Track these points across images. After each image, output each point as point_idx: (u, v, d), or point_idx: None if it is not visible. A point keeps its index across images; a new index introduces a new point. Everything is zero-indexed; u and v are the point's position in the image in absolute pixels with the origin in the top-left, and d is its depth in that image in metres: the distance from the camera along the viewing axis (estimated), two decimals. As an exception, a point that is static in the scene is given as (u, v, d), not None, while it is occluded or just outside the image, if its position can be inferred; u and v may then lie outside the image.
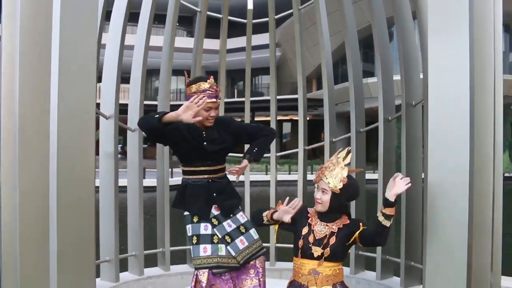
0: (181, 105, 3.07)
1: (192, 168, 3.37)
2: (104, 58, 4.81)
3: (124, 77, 4.90)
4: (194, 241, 3.29)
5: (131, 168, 5.07)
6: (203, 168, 3.35)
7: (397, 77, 4.74)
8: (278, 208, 2.85)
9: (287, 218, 2.76)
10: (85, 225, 2.62)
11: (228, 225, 3.34)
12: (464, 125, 2.63)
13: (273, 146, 5.91)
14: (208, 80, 3.22)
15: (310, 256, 2.66)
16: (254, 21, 6.09)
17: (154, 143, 3.66)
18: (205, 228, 3.30)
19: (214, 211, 3.35)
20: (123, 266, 4.94)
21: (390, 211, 2.59)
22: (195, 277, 3.26)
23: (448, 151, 2.70)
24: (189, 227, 3.35)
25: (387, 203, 2.59)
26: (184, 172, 3.43)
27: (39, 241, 2.47)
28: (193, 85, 3.22)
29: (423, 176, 3.88)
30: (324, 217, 2.73)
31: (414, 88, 4.67)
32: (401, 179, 2.60)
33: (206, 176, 3.36)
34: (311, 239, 2.67)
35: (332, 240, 2.66)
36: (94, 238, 2.77)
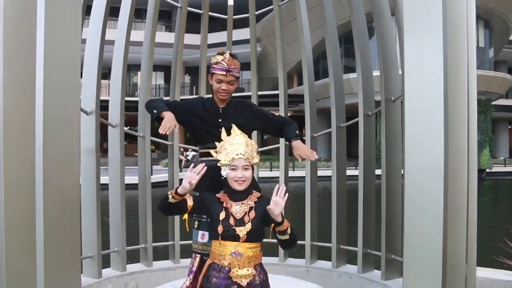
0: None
1: (205, 150, 3.43)
2: (84, 53, 4.77)
3: (103, 73, 4.92)
4: (195, 226, 3.35)
5: (112, 164, 5.10)
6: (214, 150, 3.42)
7: (377, 73, 4.85)
8: (186, 197, 2.79)
9: (187, 184, 2.66)
10: (71, 221, 2.68)
11: None
12: (438, 120, 2.73)
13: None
14: (224, 54, 3.35)
15: (234, 238, 2.67)
16: (234, 17, 6.15)
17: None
18: None
19: None
20: (105, 262, 4.95)
21: (282, 228, 2.64)
22: (192, 259, 3.36)
23: (423, 146, 2.80)
24: None
25: (276, 224, 2.64)
26: (200, 155, 3.51)
27: (25, 237, 2.50)
28: (212, 58, 3.38)
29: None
30: (237, 196, 2.76)
31: (393, 83, 4.78)
32: (276, 194, 2.61)
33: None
34: (232, 221, 2.68)
35: (252, 214, 2.70)
36: (80, 234, 2.84)
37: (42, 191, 2.52)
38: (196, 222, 3.38)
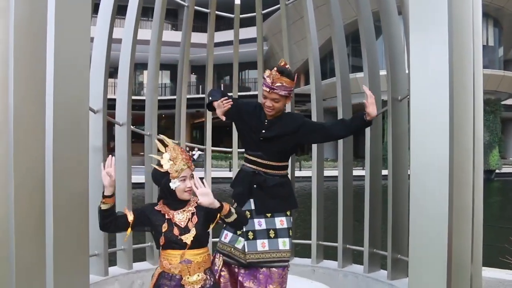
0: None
1: (246, 156, 3.51)
2: (92, 51, 4.83)
3: (110, 71, 4.96)
4: (224, 225, 3.37)
5: (119, 163, 5.10)
6: (253, 158, 3.44)
7: (384, 73, 4.87)
8: (125, 211, 2.81)
9: (105, 181, 2.65)
10: (80, 219, 2.73)
11: (259, 224, 3.39)
12: (443, 119, 2.74)
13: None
14: (271, 70, 3.30)
15: (181, 246, 2.68)
16: (241, 15, 6.19)
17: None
18: None
19: (252, 205, 3.42)
20: (112, 260, 5.00)
21: (224, 212, 2.72)
22: (215, 256, 3.43)
23: (429, 145, 2.81)
24: None
25: (218, 211, 2.72)
26: (244, 158, 3.56)
27: (34, 235, 2.53)
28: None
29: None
30: (177, 204, 2.77)
31: (400, 83, 4.80)
32: (197, 188, 2.67)
33: (254, 166, 3.44)
34: (176, 231, 2.69)
35: (194, 219, 2.72)
36: (88, 232, 2.89)
37: (52, 189, 2.56)
38: None
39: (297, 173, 6.86)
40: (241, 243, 3.37)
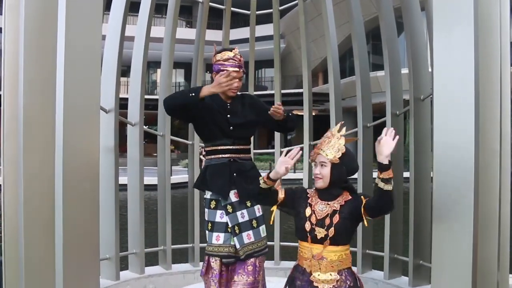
0: None
1: (214, 148, 3.50)
2: (103, 50, 4.80)
3: (122, 70, 4.97)
4: (209, 228, 3.43)
5: (131, 164, 5.15)
6: (224, 147, 3.46)
7: (405, 71, 4.82)
8: (278, 188, 2.76)
9: (282, 169, 2.62)
10: (90, 221, 2.74)
11: (241, 216, 3.43)
12: (469, 119, 2.71)
13: (277, 142, 6.04)
14: (233, 50, 3.45)
15: (314, 239, 2.60)
16: (257, 12, 6.17)
17: (176, 119, 3.71)
18: (220, 216, 3.43)
19: (233, 197, 3.44)
20: (123, 264, 5.01)
21: (387, 174, 2.54)
22: (206, 262, 3.41)
23: (454, 146, 2.79)
24: (206, 211, 3.50)
25: (381, 167, 2.54)
26: (207, 153, 3.57)
27: (44, 237, 2.56)
28: (217, 55, 3.45)
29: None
30: (325, 195, 2.68)
31: (423, 81, 4.74)
32: (385, 135, 2.55)
33: (227, 155, 3.46)
34: (313, 219, 2.62)
35: (335, 218, 2.60)
36: (98, 234, 2.90)
37: (62, 190, 2.57)
38: (210, 224, 3.45)
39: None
40: (234, 240, 3.40)
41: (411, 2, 4.76)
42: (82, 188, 2.72)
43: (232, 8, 6.11)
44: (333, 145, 2.68)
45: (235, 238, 3.39)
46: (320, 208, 2.66)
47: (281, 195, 2.73)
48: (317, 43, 24.55)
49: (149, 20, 5.16)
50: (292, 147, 2.82)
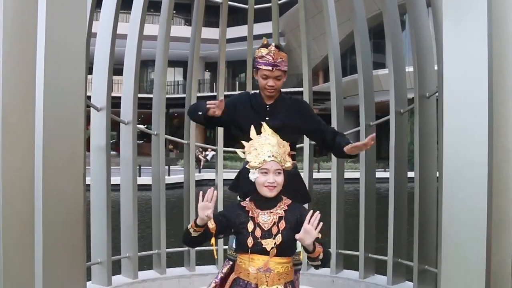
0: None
1: None
2: (95, 47, 4.80)
3: (116, 69, 4.93)
4: None
5: (124, 164, 5.09)
6: None
7: (409, 69, 4.73)
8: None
9: (205, 213, 2.43)
10: (73, 224, 2.62)
11: None
12: (482, 117, 2.61)
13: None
14: (268, 47, 3.22)
15: (261, 252, 2.49)
16: (256, 6, 6.10)
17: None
18: None
19: None
20: (116, 268, 4.96)
21: (314, 255, 2.42)
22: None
23: (465, 146, 2.69)
24: None
25: (307, 251, 2.43)
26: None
27: (23, 242, 2.45)
28: (256, 51, 3.26)
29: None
30: (265, 204, 2.57)
31: (428, 79, 4.68)
32: (308, 223, 2.37)
33: None
34: (258, 233, 2.49)
35: (282, 225, 2.51)
36: (85, 238, 2.77)
37: (42, 191, 2.47)
38: None
39: (316, 175, 6.75)
40: None
41: (416, -4, 4.67)
42: (65, 189, 2.61)
43: (230, 2, 6.02)
44: (284, 152, 2.61)
45: None
46: (264, 219, 2.54)
47: (211, 225, 2.54)
48: (318, 41, 24.55)
49: (142, 17, 5.11)
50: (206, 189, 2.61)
